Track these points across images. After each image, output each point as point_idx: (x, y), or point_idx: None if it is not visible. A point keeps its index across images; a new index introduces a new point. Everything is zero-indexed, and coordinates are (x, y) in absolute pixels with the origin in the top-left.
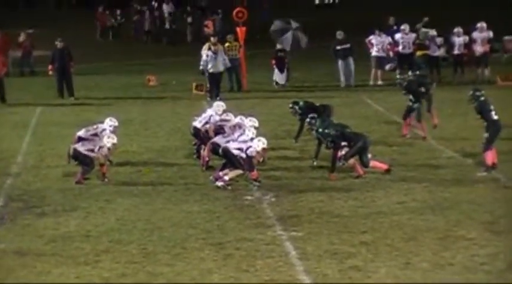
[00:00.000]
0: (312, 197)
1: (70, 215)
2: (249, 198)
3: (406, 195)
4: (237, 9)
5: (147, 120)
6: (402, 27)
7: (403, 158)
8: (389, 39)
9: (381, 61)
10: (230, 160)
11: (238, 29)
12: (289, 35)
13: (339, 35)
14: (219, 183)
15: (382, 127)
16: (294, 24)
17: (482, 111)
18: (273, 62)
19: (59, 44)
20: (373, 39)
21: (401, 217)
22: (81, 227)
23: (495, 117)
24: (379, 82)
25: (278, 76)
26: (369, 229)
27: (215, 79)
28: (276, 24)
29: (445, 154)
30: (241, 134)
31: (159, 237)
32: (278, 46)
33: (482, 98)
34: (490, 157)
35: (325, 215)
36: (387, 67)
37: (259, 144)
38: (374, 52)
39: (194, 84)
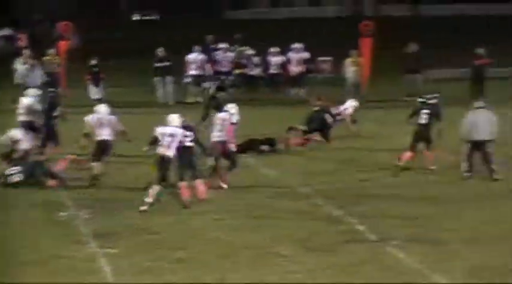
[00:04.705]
0: (129, 214)
1: None
2: (64, 214)
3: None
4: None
5: None
6: (220, 45)
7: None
8: (206, 57)
9: (198, 79)
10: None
11: (61, 43)
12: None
13: (160, 51)
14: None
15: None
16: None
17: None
18: (88, 77)
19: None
20: (191, 57)
21: (218, 234)
22: None
23: None
24: (198, 99)
25: (93, 91)
26: (185, 246)
27: None
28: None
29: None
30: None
31: None
32: (92, 61)
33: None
34: None
35: (142, 232)
36: (206, 85)
37: None
38: (192, 70)
39: None
